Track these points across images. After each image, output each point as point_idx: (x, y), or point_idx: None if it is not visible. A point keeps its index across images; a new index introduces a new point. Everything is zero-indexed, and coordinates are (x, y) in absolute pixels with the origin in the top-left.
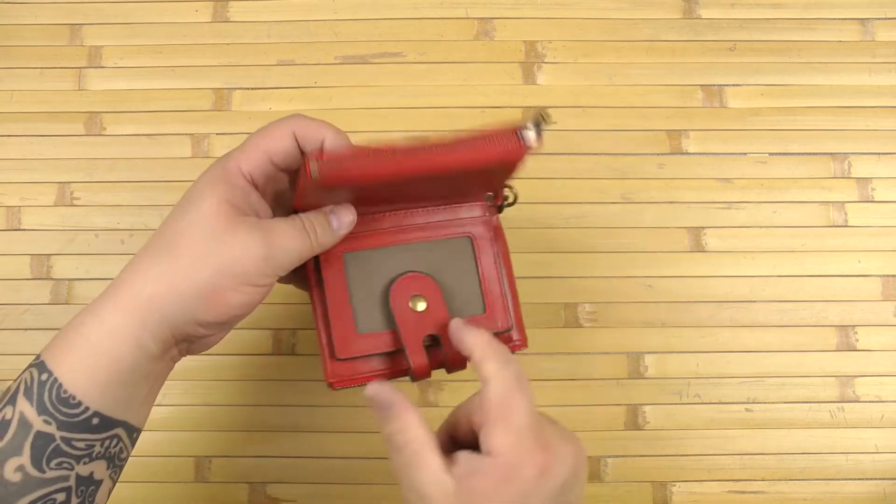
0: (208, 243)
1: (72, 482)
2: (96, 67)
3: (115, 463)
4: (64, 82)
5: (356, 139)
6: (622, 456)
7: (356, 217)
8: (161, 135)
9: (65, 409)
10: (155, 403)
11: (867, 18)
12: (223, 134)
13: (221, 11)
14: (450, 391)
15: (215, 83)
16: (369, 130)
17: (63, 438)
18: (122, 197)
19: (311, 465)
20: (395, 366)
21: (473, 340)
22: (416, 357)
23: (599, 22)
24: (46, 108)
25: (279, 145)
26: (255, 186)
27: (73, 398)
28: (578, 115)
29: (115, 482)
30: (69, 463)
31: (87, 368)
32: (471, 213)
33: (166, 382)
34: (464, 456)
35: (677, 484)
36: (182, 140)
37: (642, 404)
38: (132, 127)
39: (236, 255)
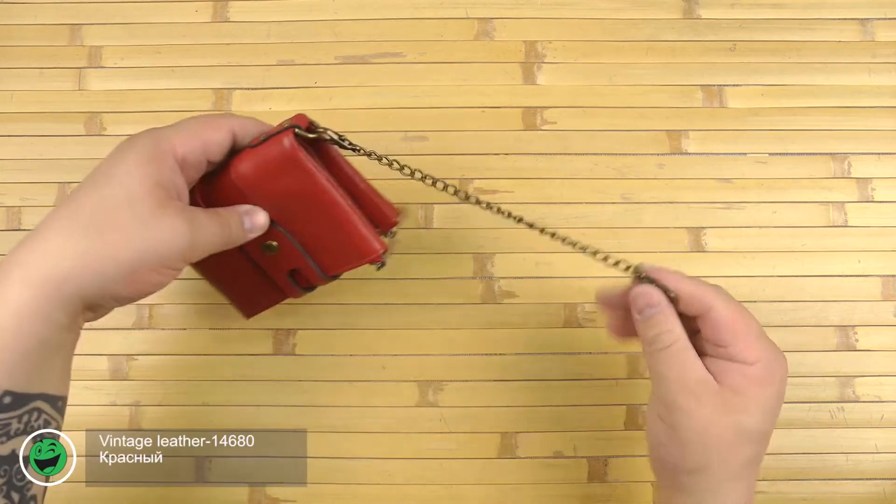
0: (136, 226)
1: None
2: (96, 67)
3: (35, 431)
4: (64, 82)
5: (356, 139)
6: (622, 456)
7: (268, 221)
8: None
9: None
10: (155, 403)
11: (867, 18)
12: None
13: (221, 11)
14: (449, 391)
15: (215, 83)
16: (369, 130)
17: None
18: None
19: (312, 465)
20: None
21: (677, 278)
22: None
23: (599, 22)
24: (46, 108)
25: (218, 137)
26: (182, 171)
27: None
28: (578, 115)
29: None
30: None
31: None
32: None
33: (164, 382)
34: (718, 361)
35: None
36: None
37: (642, 404)
38: (132, 127)
39: (163, 240)
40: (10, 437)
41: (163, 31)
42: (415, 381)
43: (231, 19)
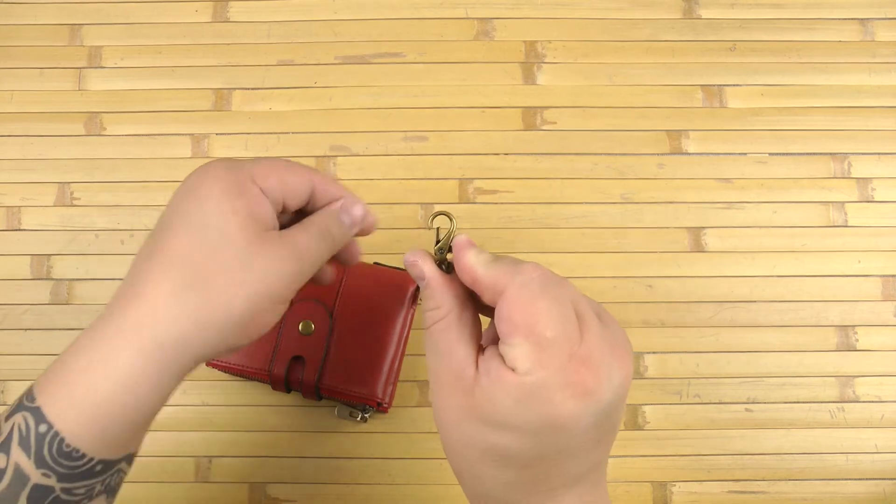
0: (241, 268)
1: None
2: (96, 67)
3: (115, 490)
4: (64, 82)
5: (356, 139)
6: (622, 456)
7: (366, 209)
8: (161, 135)
9: (67, 463)
10: None
11: (867, 18)
12: (223, 134)
13: (221, 11)
14: None
15: (215, 83)
16: (369, 130)
17: (63, 489)
18: (122, 197)
19: (311, 465)
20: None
21: (472, 261)
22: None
23: (599, 22)
24: (46, 108)
25: (297, 182)
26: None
27: (77, 451)
28: (578, 115)
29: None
30: None
31: (94, 423)
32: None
33: None
34: (496, 357)
35: (677, 484)
36: (182, 140)
37: (642, 404)
38: (132, 127)
39: (272, 277)
40: (91, 499)
41: (163, 31)
42: (414, 380)
43: (231, 19)
